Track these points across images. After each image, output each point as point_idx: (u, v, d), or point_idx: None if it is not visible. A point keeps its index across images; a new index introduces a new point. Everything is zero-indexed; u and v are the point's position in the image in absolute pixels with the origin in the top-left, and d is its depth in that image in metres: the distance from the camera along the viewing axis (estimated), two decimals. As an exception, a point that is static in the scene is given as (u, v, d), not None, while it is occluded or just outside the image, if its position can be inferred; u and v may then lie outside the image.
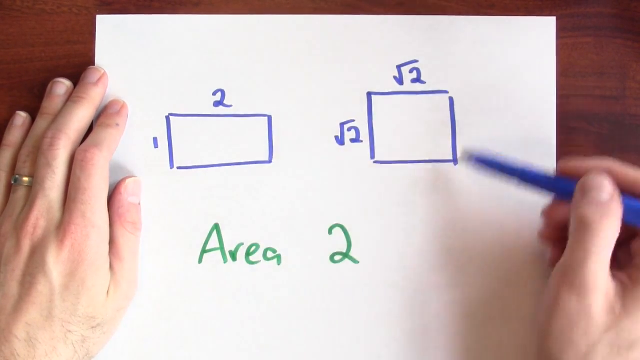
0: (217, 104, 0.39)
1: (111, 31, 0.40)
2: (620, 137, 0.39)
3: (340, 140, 0.39)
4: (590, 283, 0.31)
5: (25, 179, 0.36)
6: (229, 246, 0.39)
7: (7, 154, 0.38)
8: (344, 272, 0.39)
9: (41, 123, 0.38)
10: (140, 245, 0.38)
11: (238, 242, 0.39)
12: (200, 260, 0.39)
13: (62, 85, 0.38)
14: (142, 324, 0.39)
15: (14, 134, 0.38)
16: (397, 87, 0.39)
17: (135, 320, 0.39)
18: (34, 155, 0.37)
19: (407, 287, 0.39)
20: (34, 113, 0.39)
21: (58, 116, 0.37)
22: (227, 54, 0.39)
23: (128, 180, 0.38)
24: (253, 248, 0.39)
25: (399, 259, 0.39)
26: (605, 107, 0.39)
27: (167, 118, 0.39)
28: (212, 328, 0.39)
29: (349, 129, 0.39)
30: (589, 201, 0.32)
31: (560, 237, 0.35)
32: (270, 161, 0.39)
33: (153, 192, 0.39)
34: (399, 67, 0.39)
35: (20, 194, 0.36)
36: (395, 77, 0.39)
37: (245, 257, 0.39)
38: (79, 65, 0.39)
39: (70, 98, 0.38)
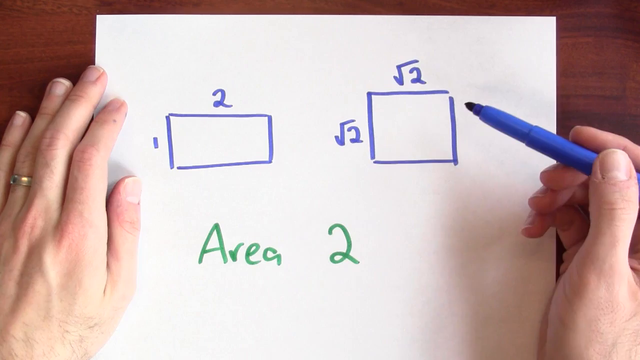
0: (217, 104, 0.39)
1: (111, 31, 0.40)
2: (620, 137, 0.39)
3: (340, 140, 0.39)
4: (619, 270, 0.31)
5: (24, 178, 0.36)
6: (229, 246, 0.39)
7: (6, 154, 0.38)
8: (344, 272, 0.39)
9: (40, 123, 0.38)
10: (138, 245, 0.38)
11: (238, 242, 0.39)
12: (200, 260, 0.39)
13: (61, 85, 0.38)
14: (142, 324, 0.39)
15: (14, 134, 0.38)
16: (397, 87, 0.39)
17: (135, 320, 0.39)
18: (33, 155, 0.37)
19: (407, 287, 0.39)
20: (34, 113, 0.39)
21: (56, 116, 0.37)
22: (227, 54, 0.39)
23: (127, 180, 0.38)
24: (253, 248, 0.39)
25: (399, 259, 0.39)
26: (605, 107, 0.39)
27: (167, 118, 0.39)
28: (212, 328, 0.39)
29: (349, 129, 0.39)
30: (613, 183, 0.32)
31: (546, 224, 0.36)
32: (270, 161, 0.39)
33: (153, 192, 0.39)
34: (399, 67, 0.39)
35: (19, 193, 0.36)
36: (395, 77, 0.39)
37: (245, 257, 0.39)
38: (79, 65, 0.39)
39: (69, 97, 0.38)
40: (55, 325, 0.34)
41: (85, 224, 0.35)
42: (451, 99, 0.39)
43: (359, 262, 0.39)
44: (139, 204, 0.38)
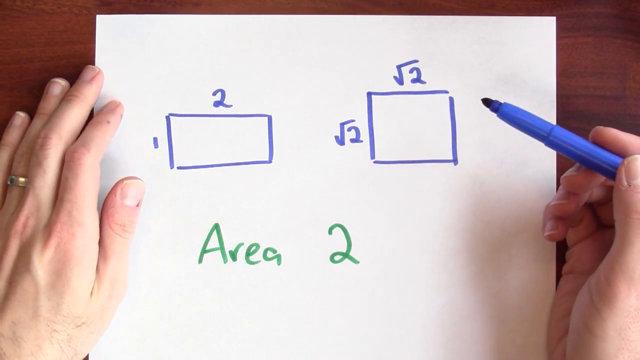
0: (217, 104, 0.39)
1: (111, 31, 0.40)
2: (620, 137, 0.39)
3: (340, 140, 0.39)
4: None
5: (21, 179, 0.36)
6: (229, 246, 0.39)
7: (5, 154, 0.38)
8: (344, 272, 0.39)
9: (37, 123, 0.38)
10: (130, 247, 0.37)
11: (238, 242, 0.39)
12: (200, 260, 0.39)
13: (58, 85, 0.38)
14: (142, 324, 0.39)
15: (12, 134, 0.38)
16: (397, 87, 0.39)
17: (136, 320, 0.39)
18: (29, 155, 0.37)
19: (406, 287, 0.39)
20: (34, 113, 0.39)
21: (52, 116, 0.37)
22: (227, 54, 0.39)
23: (126, 182, 0.37)
24: (253, 248, 0.39)
25: (399, 259, 0.39)
26: (605, 107, 0.39)
27: (167, 118, 0.39)
28: (212, 328, 0.39)
29: (349, 129, 0.39)
30: (638, 190, 0.31)
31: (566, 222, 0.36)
32: (270, 161, 0.39)
33: (153, 192, 0.39)
34: (399, 67, 0.39)
35: (14, 193, 0.36)
36: (395, 77, 0.39)
37: (245, 257, 0.39)
38: (79, 65, 0.39)
39: (65, 97, 0.38)
40: (43, 324, 0.34)
41: (74, 224, 0.35)
42: (451, 99, 0.39)
43: (359, 262, 0.39)
44: (138, 206, 0.38)
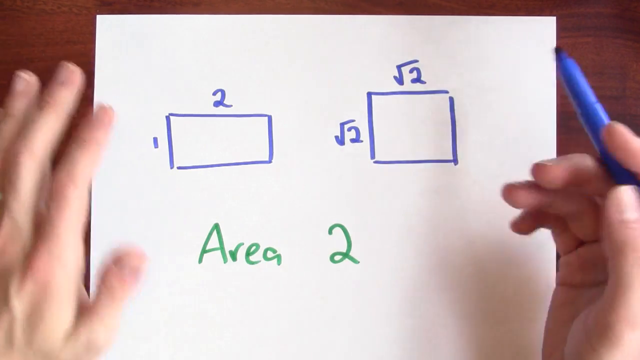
0: (217, 104, 0.39)
1: (111, 31, 0.40)
2: (620, 137, 0.39)
3: (340, 140, 0.39)
4: None
5: None
6: (229, 246, 0.39)
7: None
8: (344, 272, 0.39)
9: (8, 126, 0.34)
10: (120, 311, 0.34)
11: (238, 242, 0.39)
12: (200, 260, 0.39)
13: (22, 81, 0.35)
14: (142, 324, 0.39)
15: None
16: (397, 87, 0.39)
17: (135, 320, 0.39)
18: (2, 165, 0.34)
19: (407, 287, 0.39)
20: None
21: (23, 125, 0.34)
22: (227, 54, 0.39)
23: (132, 257, 0.33)
24: (253, 248, 0.39)
25: (399, 259, 0.39)
26: (605, 107, 0.39)
27: (167, 118, 0.39)
28: (212, 328, 0.39)
29: (349, 129, 0.39)
30: (632, 226, 0.28)
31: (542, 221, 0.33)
32: (270, 161, 0.39)
33: (153, 192, 0.39)
34: (399, 67, 0.39)
35: None
36: (395, 77, 0.39)
37: (245, 257, 0.39)
38: (79, 65, 0.39)
39: (38, 102, 0.35)
40: (17, 356, 0.32)
41: (54, 261, 0.32)
42: (451, 99, 0.39)
43: (359, 262, 0.39)
44: (135, 279, 0.33)
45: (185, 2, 0.40)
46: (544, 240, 0.38)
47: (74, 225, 0.33)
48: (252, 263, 0.39)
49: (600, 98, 0.39)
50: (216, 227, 0.39)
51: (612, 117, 0.39)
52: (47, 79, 0.39)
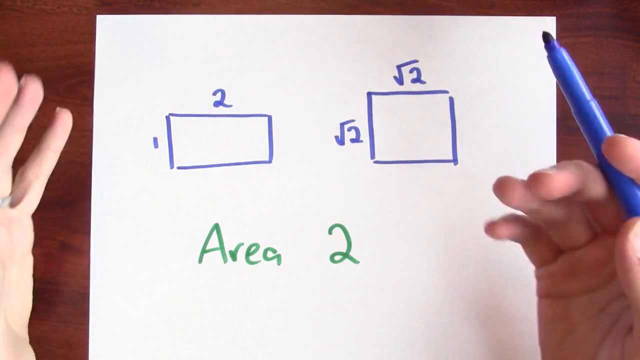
0: (217, 104, 0.39)
1: (111, 31, 0.40)
2: (620, 137, 0.39)
3: (340, 140, 0.39)
4: None
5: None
6: (229, 246, 0.39)
7: None
8: (344, 272, 0.39)
9: None
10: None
11: (238, 242, 0.39)
12: (200, 260, 0.39)
13: None
14: (142, 324, 0.39)
15: None
16: (397, 87, 0.39)
17: (135, 320, 0.39)
18: None
19: (407, 287, 0.39)
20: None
21: None
22: (227, 54, 0.39)
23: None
24: (253, 248, 0.39)
25: (399, 259, 0.39)
26: (605, 107, 0.39)
27: (167, 118, 0.39)
28: (212, 328, 0.39)
29: (349, 129, 0.39)
30: None
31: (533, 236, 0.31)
32: (270, 161, 0.39)
33: (153, 192, 0.39)
34: (399, 67, 0.39)
35: None
36: (395, 77, 0.39)
37: (245, 257, 0.39)
38: (79, 65, 0.40)
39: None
40: None
41: None
42: (451, 99, 0.39)
43: (359, 262, 0.39)
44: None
45: (185, 2, 0.40)
46: (544, 240, 0.38)
47: None
48: (252, 263, 0.39)
49: (600, 98, 0.39)
50: (216, 227, 0.39)
51: (612, 117, 0.39)
52: (46, 78, 0.39)
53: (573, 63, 0.30)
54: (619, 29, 0.39)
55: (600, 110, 0.29)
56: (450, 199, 0.39)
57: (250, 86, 0.39)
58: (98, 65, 0.39)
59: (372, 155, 0.39)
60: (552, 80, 0.39)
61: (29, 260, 0.37)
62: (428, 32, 0.39)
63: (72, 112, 0.36)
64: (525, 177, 0.38)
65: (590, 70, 0.39)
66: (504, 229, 0.30)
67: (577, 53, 0.39)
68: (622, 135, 0.27)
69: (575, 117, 0.30)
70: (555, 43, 0.30)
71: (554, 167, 0.28)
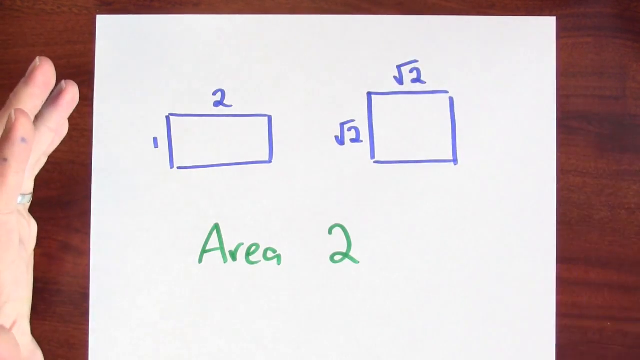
0: (217, 104, 0.39)
1: (111, 31, 0.40)
2: (620, 137, 0.39)
3: (340, 140, 0.39)
4: None
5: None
6: (229, 246, 0.39)
7: None
8: (344, 272, 0.39)
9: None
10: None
11: (238, 242, 0.39)
12: (200, 260, 0.39)
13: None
14: (142, 324, 0.39)
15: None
16: (397, 87, 0.39)
17: (135, 320, 0.39)
18: None
19: (407, 287, 0.39)
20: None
21: None
22: (227, 54, 0.39)
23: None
24: (253, 248, 0.39)
25: (399, 259, 0.39)
26: (605, 107, 0.39)
27: (167, 118, 0.39)
28: (212, 328, 0.39)
29: (349, 129, 0.39)
30: None
31: None
32: (270, 161, 0.39)
33: (153, 192, 0.39)
34: (399, 67, 0.39)
35: None
36: (395, 77, 0.39)
37: (245, 257, 0.39)
38: (79, 65, 0.40)
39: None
40: None
41: None
42: (451, 99, 0.39)
43: (359, 262, 0.39)
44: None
45: (185, 2, 0.40)
46: (544, 240, 0.38)
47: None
48: (252, 263, 0.39)
49: (600, 98, 0.40)
50: (216, 227, 0.39)
51: (612, 117, 0.39)
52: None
53: None
54: (619, 29, 0.39)
55: None
56: (450, 199, 0.39)
57: (250, 86, 0.39)
58: (98, 65, 0.39)
59: (372, 155, 0.39)
60: (552, 80, 0.39)
61: (32, 257, 0.37)
62: (428, 32, 0.39)
63: (72, 112, 0.36)
64: (524, 176, 0.38)
65: (590, 70, 0.39)
66: None
67: (577, 53, 0.39)
68: None
69: None
70: None
71: None
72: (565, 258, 0.39)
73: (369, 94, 0.39)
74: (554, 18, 0.39)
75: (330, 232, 0.39)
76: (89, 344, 0.39)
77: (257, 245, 0.39)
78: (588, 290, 0.39)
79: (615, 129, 0.39)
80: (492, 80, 0.39)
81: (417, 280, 0.39)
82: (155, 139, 0.39)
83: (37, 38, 0.40)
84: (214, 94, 0.39)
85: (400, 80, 0.39)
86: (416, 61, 0.39)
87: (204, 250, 0.39)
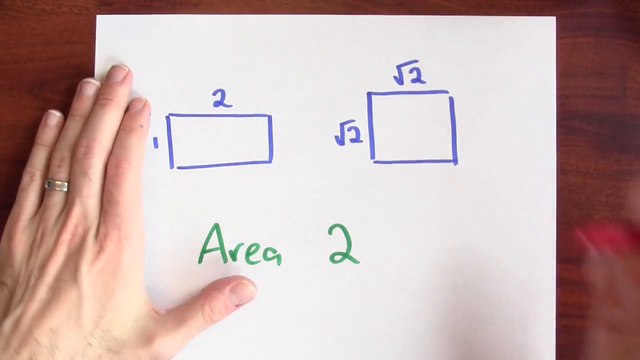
0: (217, 104, 0.39)
1: (111, 31, 0.40)
2: (620, 137, 0.39)
3: (340, 140, 0.39)
4: None
5: (58, 182, 0.36)
6: (229, 246, 0.39)
7: (43, 154, 0.38)
8: (344, 272, 0.39)
9: (72, 125, 0.38)
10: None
11: (238, 242, 0.39)
12: (200, 260, 0.39)
13: (92, 86, 0.38)
14: (142, 324, 0.39)
15: (49, 134, 0.38)
16: (397, 87, 0.39)
17: (135, 320, 0.39)
18: (68, 160, 0.37)
19: (407, 287, 0.39)
20: (34, 113, 0.39)
21: (88, 122, 0.37)
22: (227, 54, 0.39)
23: (246, 288, 0.38)
24: (253, 248, 0.39)
25: (399, 259, 0.39)
26: (605, 107, 0.39)
27: (167, 118, 0.39)
28: (212, 328, 0.39)
29: (349, 129, 0.39)
30: None
31: None
32: (270, 161, 0.39)
33: (153, 192, 0.39)
34: (399, 67, 0.39)
35: (55, 198, 0.36)
36: (395, 77, 0.39)
37: (245, 257, 0.39)
38: (79, 65, 0.40)
39: (98, 101, 0.38)
40: (81, 335, 0.34)
41: (122, 237, 0.35)
42: (451, 99, 0.39)
43: (359, 262, 0.39)
44: (235, 308, 0.38)
45: (185, 2, 0.40)
46: (544, 240, 0.38)
47: (135, 201, 0.36)
48: (252, 263, 0.39)
49: (600, 98, 0.40)
50: (216, 227, 0.39)
51: (612, 117, 0.39)
52: (46, 78, 0.40)
53: None
54: (619, 29, 0.39)
55: None
56: (450, 199, 0.39)
57: (250, 86, 0.39)
58: (98, 65, 0.39)
59: (372, 155, 0.39)
60: (552, 80, 0.39)
61: None
62: (428, 32, 0.39)
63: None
64: (524, 176, 0.38)
65: (590, 70, 0.39)
66: None
67: (577, 53, 0.39)
68: None
69: None
70: None
71: None
72: (565, 258, 0.39)
73: (369, 94, 0.39)
74: (554, 18, 0.39)
75: (330, 232, 0.39)
76: (89, 344, 0.39)
77: (257, 245, 0.39)
78: (588, 290, 0.39)
79: (615, 129, 0.39)
80: (492, 80, 0.39)
81: (417, 280, 0.39)
82: (155, 139, 0.39)
83: (37, 38, 0.40)
84: (214, 94, 0.39)
85: (400, 80, 0.39)
86: (416, 61, 0.39)
87: (204, 250, 0.39)
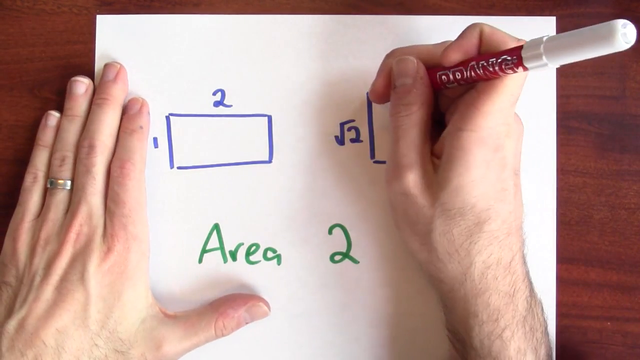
0: (217, 104, 0.39)
1: (111, 31, 0.40)
2: (620, 137, 0.39)
3: (340, 140, 0.39)
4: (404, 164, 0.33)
5: (61, 181, 0.36)
6: (229, 246, 0.39)
7: (44, 154, 0.38)
8: (344, 272, 0.39)
9: (68, 126, 0.38)
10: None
11: (238, 242, 0.39)
12: (200, 260, 0.39)
13: (82, 84, 0.38)
14: (142, 324, 0.39)
15: (49, 134, 0.38)
16: (397, 87, 0.39)
17: (135, 320, 0.39)
18: (69, 159, 0.37)
19: (406, 287, 0.39)
20: (34, 113, 0.39)
21: (88, 122, 0.37)
22: (227, 54, 0.39)
23: (260, 306, 0.38)
24: (253, 248, 0.39)
25: (399, 259, 0.39)
26: (605, 107, 0.39)
27: (167, 118, 0.39)
28: (212, 328, 0.39)
29: (349, 129, 0.39)
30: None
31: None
32: (270, 161, 0.39)
33: (153, 192, 0.39)
34: (399, 67, 0.39)
35: (59, 197, 0.36)
36: (395, 77, 0.39)
37: (245, 257, 0.39)
38: (79, 65, 0.40)
39: (94, 101, 0.38)
40: (87, 336, 0.34)
41: (129, 237, 0.35)
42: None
43: (359, 262, 0.39)
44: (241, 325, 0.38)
45: (185, 2, 0.40)
46: (544, 240, 0.38)
47: (140, 202, 0.36)
48: (252, 263, 0.39)
49: (600, 98, 0.39)
50: (216, 227, 0.39)
51: (612, 117, 0.39)
52: (46, 78, 0.40)
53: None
54: (619, 29, 0.39)
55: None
56: (450, 199, 0.39)
57: (250, 86, 0.39)
58: (98, 65, 0.39)
59: (372, 155, 0.39)
60: (552, 80, 0.39)
61: None
62: (428, 32, 0.39)
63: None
64: (524, 176, 0.38)
65: (590, 70, 0.39)
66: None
67: (577, 53, 0.39)
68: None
69: None
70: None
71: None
72: (565, 258, 0.39)
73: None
74: (554, 18, 0.39)
75: (330, 232, 0.39)
76: (89, 344, 0.39)
77: (257, 245, 0.39)
78: (588, 290, 0.39)
79: (615, 129, 0.39)
80: (492, 80, 0.39)
81: (416, 280, 0.39)
82: (155, 139, 0.39)
83: (37, 38, 0.40)
84: (214, 94, 0.39)
85: (400, 80, 0.39)
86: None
87: (204, 250, 0.39)
